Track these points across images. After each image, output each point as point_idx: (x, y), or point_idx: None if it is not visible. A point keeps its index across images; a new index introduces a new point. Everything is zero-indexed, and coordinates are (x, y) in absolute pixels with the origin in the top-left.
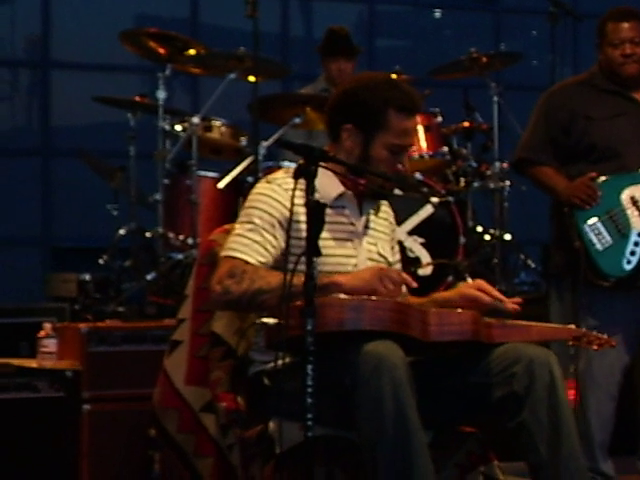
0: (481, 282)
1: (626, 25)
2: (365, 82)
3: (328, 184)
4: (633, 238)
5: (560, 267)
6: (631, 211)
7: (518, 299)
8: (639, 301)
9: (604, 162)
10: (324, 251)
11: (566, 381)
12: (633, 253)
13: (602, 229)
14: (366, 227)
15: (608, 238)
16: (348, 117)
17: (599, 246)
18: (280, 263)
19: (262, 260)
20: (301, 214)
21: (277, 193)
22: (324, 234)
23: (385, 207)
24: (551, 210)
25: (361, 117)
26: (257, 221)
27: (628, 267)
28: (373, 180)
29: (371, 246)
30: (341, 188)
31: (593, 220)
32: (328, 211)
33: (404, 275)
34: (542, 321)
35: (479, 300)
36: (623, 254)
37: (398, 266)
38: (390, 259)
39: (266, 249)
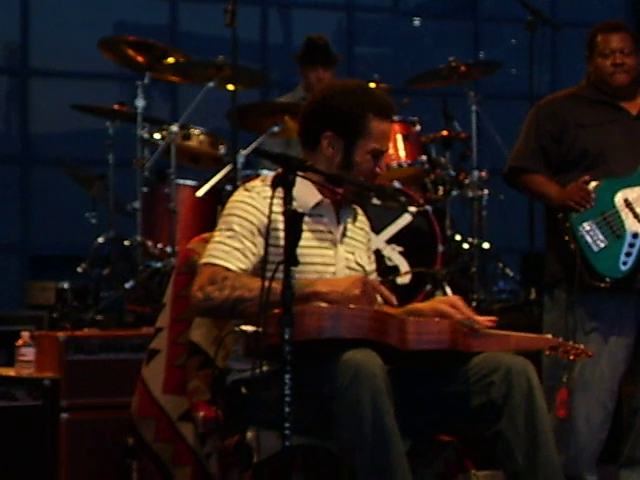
0: (455, 299)
1: (616, 36)
2: (340, 89)
3: (306, 192)
4: (628, 239)
5: (555, 275)
6: (625, 213)
7: (492, 317)
8: (634, 306)
9: (595, 169)
10: (303, 259)
11: (558, 390)
12: (629, 254)
13: (597, 231)
14: (344, 235)
15: (603, 240)
16: (327, 124)
17: (595, 247)
18: (259, 270)
19: (242, 267)
20: (279, 222)
21: (256, 201)
22: (303, 242)
23: (361, 216)
24: (544, 220)
25: (341, 124)
26: (236, 228)
27: (624, 268)
28: (350, 189)
29: (349, 254)
30: (319, 196)
31: (588, 222)
32: (306, 219)
33: (383, 289)
34: (521, 330)
35: (450, 317)
36: (619, 255)
37: (374, 275)
38: (367, 268)
39: (246, 256)
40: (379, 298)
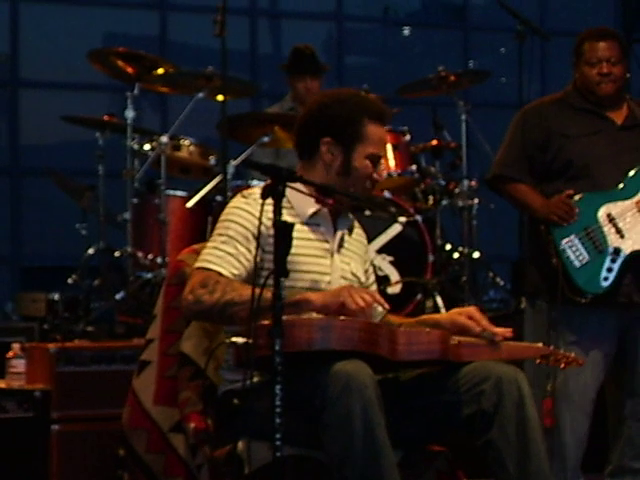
0: (472, 310)
1: (603, 44)
2: (335, 96)
3: (303, 201)
4: (610, 255)
5: (536, 285)
6: (608, 228)
7: (509, 329)
8: (614, 318)
9: (580, 180)
10: (299, 267)
11: (543, 399)
12: (610, 270)
13: (579, 246)
14: (340, 246)
15: (585, 255)
16: (326, 131)
17: (576, 263)
18: (254, 276)
19: (235, 272)
20: (272, 230)
21: (252, 207)
22: (299, 250)
23: (358, 228)
24: (527, 229)
25: (339, 129)
26: (232, 234)
27: (605, 284)
28: (341, 199)
29: (344, 265)
30: (316, 206)
31: (570, 237)
32: (304, 228)
33: (377, 296)
34: (512, 339)
35: (469, 330)
36: (600, 271)
37: (373, 288)
38: (362, 279)
39: (240, 262)
40: (379, 308)
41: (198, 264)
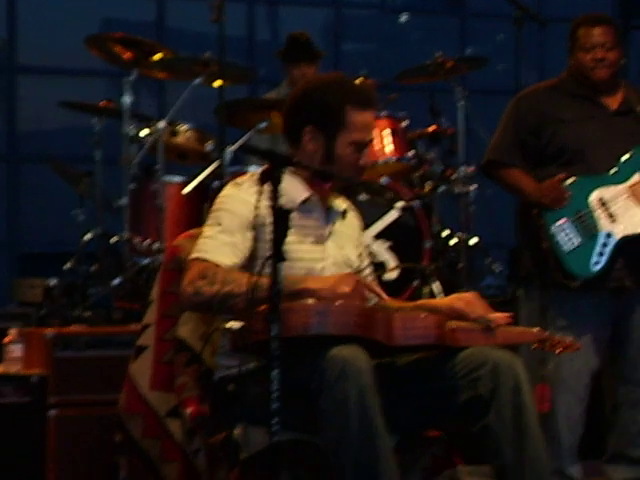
0: (471, 296)
1: (598, 30)
2: (318, 83)
3: (294, 188)
4: (601, 239)
5: (529, 269)
6: (599, 212)
7: (508, 315)
8: (607, 303)
9: (573, 165)
10: (291, 255)
11: (536, 385)
12: (601, 254)
13: (571, 230)
14: (332, 231)
15: (576, 239)
16: (307, 119)
17: (567, 247)
18: (249, 264)
19: (234, 260)
20: (268, 217)
21: (246, 195)
22: (292, 238)
23: (352, 212)
24: (518, 213)
25: (320, 117)
26: (226, 222)
27: (596, 268)
28: (337, 183)
29: (338, 250)
30: (308, 192)
31: (562, 221)
32: (295, 215)
33: (376, 288)
34: (509, 325)
35: (465, 316)
36: (591, 255)
37: (367, 271)
38: (356, 264)
39: (236, 250)
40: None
41: (194, 254)
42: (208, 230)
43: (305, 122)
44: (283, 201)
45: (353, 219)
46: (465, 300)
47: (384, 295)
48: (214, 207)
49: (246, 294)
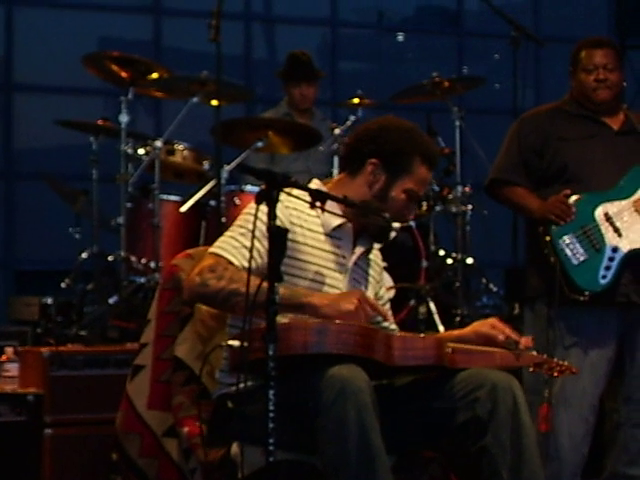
0: (493, 320)
1: (600, 52)
2: (398, 124)
3: (332, 212)
4: (608, 253)
5: (537, 288)
6: (605, 227)
7: (529, 338)
8: (614, 321)
9: (576, 183)
10: (314, 277)
11: (540, 405)
12: (608, 268)
13: (577, 244)
14: (355, 264)
15: (583, 253)
16: (377, 152)
17: (574, 261)
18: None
19: (246, 265)
20: (294, 233)
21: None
22: (319, 260)
23: (376, 250)
24: (525, 233)
25: (390, 156)
26: (251, 228)
27: (603, 282)
28: (375, 221)
29: (355, 283)
30: (342, 219)
31: (568, 236)
32: (325, 239)
33: (381, 308)
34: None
35: (493, 340)
36: (598, 269)
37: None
38: None
39: (253, 256)
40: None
41: (212, 249)
42: (232, 230)
43: (373, 154)
44: (319, 223)
45: (376, 257)
46: (489, 324)
47: (390, 317)
48: (245, 210)
49: (252, 295)
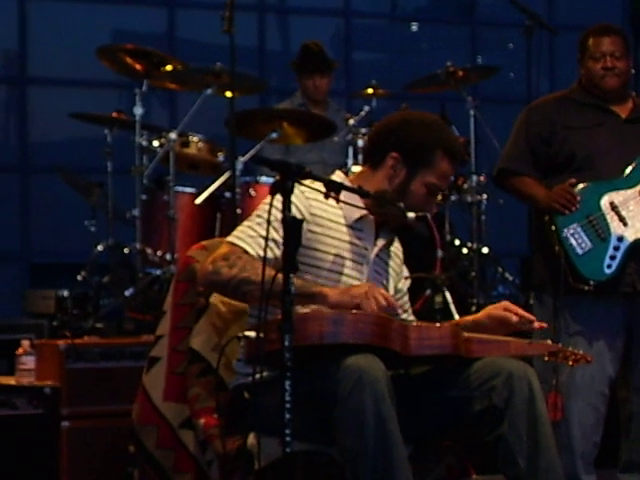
0: (506, 303)
1: (608, 39)
2: (420, 117)
3: (354, 204)
4: (613, 242)
5: (542, 276)
6: (610, 216)
7: (543, 323)
8: (620, 309)
9: (583, 172)
10: (335, 267)
11: (548, 393)
12: (613, 257)
13: (582, 234)
14: (377, 256)
15: (588, 242)
16: (397, 146)
17: (579, 250)
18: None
19: (261, 254)
20: (314, 224)
21: (296, 197)
22: (340, 251)
23: (397, 243)
24: (531, 223)
25: (411, 150)
26: (269, 218)
27: (608, 271)
28: (396, 218)
29: (376, 275)
30: (363, 211)
31: (573, 225)
32: (346, 230)
33: (392, 299)
34: (520, 335)
35: (507, 320)
36: (604, 258)
37: (400, 295)
38: (391, 294)
39: (269, 246)
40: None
41: (228, 238)
42: (250, 220)
43: (394, 148)
44: (341, 214)
45: (397, 250)
46: (501, 306)
47: (398, 309)
48: (265, 200)
49: (262, 284)
